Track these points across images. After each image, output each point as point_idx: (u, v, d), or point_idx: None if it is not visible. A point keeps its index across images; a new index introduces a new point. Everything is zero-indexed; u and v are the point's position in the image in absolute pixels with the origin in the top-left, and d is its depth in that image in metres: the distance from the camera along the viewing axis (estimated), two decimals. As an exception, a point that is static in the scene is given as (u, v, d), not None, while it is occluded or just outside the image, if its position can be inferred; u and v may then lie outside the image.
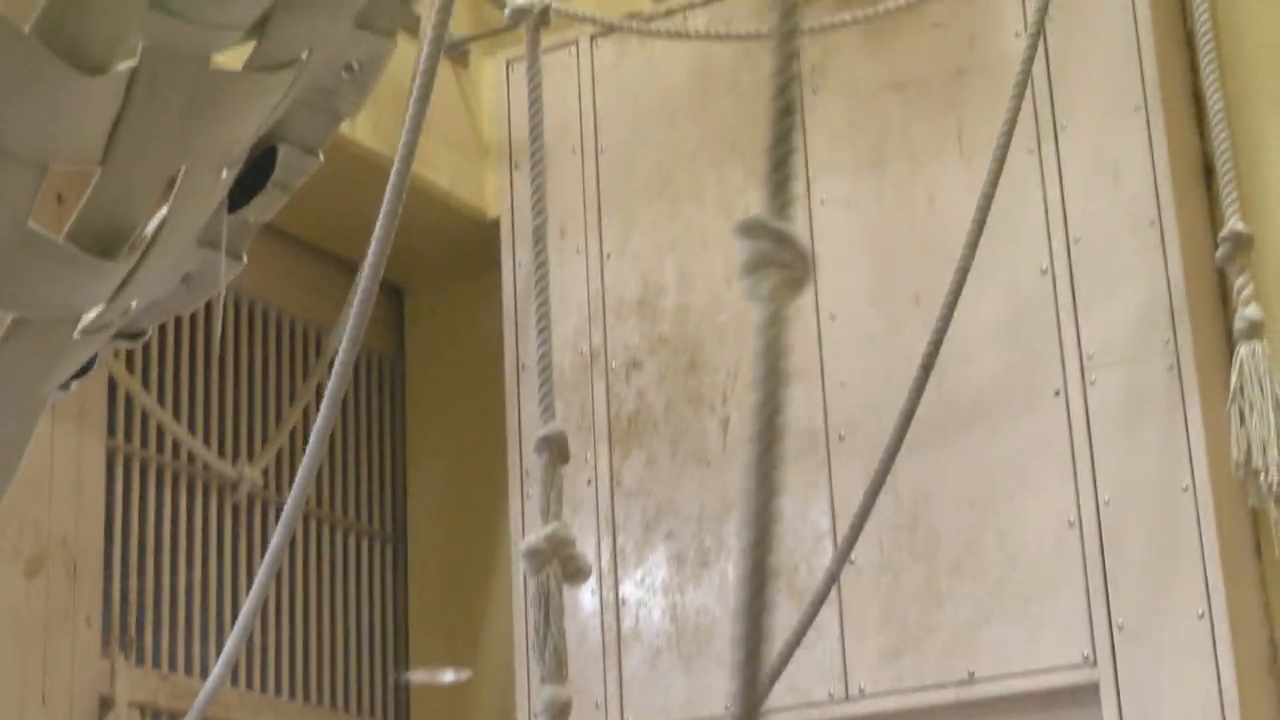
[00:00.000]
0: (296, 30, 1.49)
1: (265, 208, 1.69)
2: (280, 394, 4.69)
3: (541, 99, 3.59)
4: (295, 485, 3.13)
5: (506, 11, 3.75)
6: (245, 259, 1.70)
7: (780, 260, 1.20)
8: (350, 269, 4.39)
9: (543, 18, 3.74)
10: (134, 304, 1.59)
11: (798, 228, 1.21)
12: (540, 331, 3.40)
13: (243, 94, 1.49)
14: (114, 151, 1.42)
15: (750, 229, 1.19)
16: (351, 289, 4.34)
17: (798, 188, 1.27)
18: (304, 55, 1.53)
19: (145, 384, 4.30)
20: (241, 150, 1.57)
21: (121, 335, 1.66)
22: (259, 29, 1.47)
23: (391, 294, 5.02)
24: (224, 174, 1.57)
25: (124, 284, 1.49)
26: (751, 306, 3.95)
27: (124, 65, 1.40)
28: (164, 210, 1.52)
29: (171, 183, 1.52)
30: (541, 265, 3.49)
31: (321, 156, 1.71)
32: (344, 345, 3.17)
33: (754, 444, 1.15)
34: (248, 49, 1.49)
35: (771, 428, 1.16)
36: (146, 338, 1.72)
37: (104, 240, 1.43)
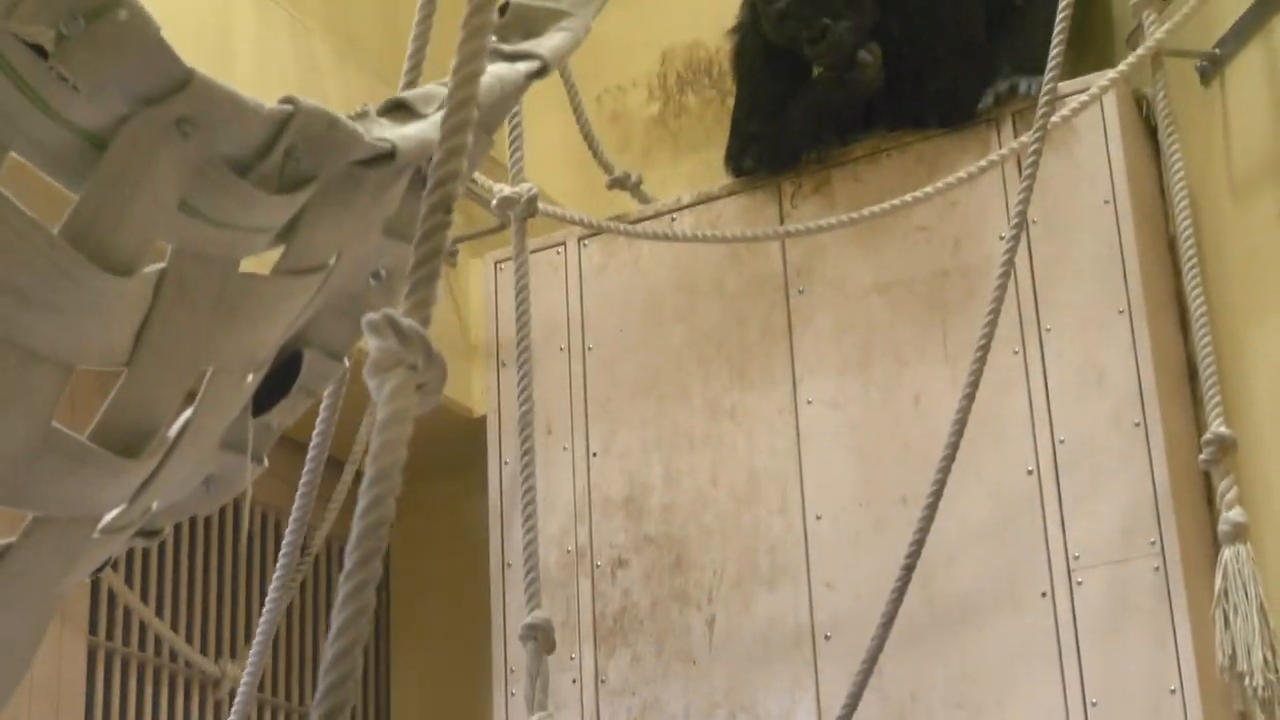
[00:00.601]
0: (325, 236, 1.51)
1: (289, 412, 1.70)
2: (264, 590, 4.66)
3: (529, 290, 3.63)
4: (248, 667, 3.12)
5: (493, 202, 3.79)
6: (266, 462, 1.71)
7: (408, 360, 1.15)
8: (337, 466, 4.39)
9: (529, 207, 3.79)
10: (154, 505, 1.59)
11: (419, 340, 1.16)
12: (526, 519, 3.42)
13: (270, 297, 1.51)
14: (140, 353, 1.43)
15: (379, 328, 1.15)
16: (337, 486, 4.35)
17: (434, 294, 1.21)
18: (331, 261, 1.55)
19: (128, 580, 4.28)
20: (268, 354, 1.58)
21: (140, 534, 1.66)
22: (288, 233, 1.49)
23: (375, 491, 5.00)
24: (249, 378, 1.58)
25: (146, 484, 1.50)
26: (738, 507, 3.95)
27: (152, 267, 1.42)
28: (188, 412, 1.53)
29: (196, 383, 1.53)
30: (527, 455, 3.51)
31: (347, 362, 1.73)
32: (291, 527, 3.18)
33: (352, 551, 1.10)
34: (277, 253, 1.51)
35: (375, 535, 1.12)
36: (162, 537, 1.72)
37: (127, 441, 1.44)
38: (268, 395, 1.68)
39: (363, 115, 1.55)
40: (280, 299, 1.52)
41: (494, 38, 1.79)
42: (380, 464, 1.10)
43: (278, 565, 3.13)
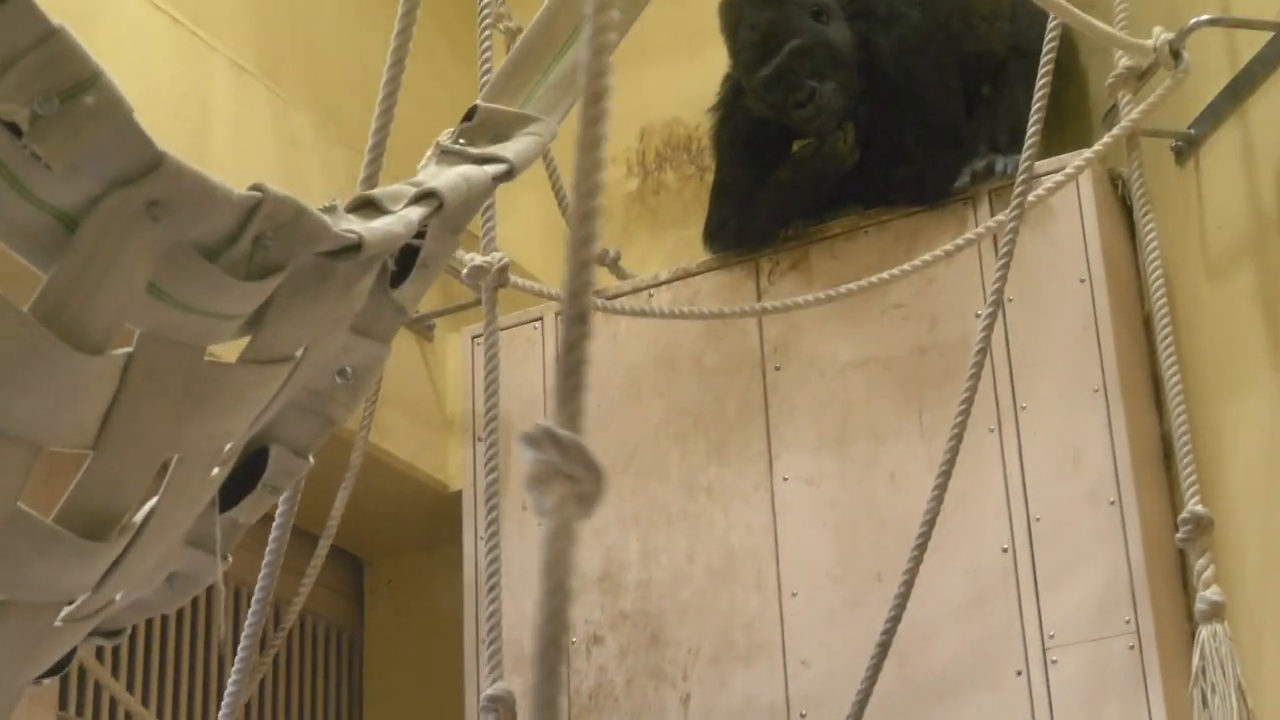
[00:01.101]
0: (292, 327, 1.51)
1: (254, 508, 1.70)
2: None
3: (498, 360, 3.62)
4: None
5: (464, 271, 3.79)
6: (230, 559, 1.70)
7: (568, 472, 1.16)
8: (311, 541, 4.38)
9: (500, 277, 3.79)
10: (118, 597, 1.58)
11: (585, 443, 1.16)
12: (490, 590, 3.42)
13: (237, 386, 1.51)
14: (106, 436, 1.43)
15: (537, 440, 1.15)
16: (311, 560, 4.33)
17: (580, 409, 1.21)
18: (299, 353, 1.55)
19: (99, 655, 4.25)
20: (235, 446, 1.58)
21: (101, 633, 1.65)
22: (255, 322, 1.49)
23: (351, 565, 5.00)
24: (215, 470, 1.58)
25: (109, 572, 1.49)
26: (714, 584, 3.95)
27: (119, 351, 1.42)
28: (154, 500, 1.52)
29: (162, 471, 1.53)
30: (493, 531, 3.50)
31: (312, 459, 1.72)
32: (254, 604, 3.18)
33: (536, 663, 1.10)
34: (243, 343, 1.51)
35: (555, 647, 1.12)
36: (124, 637, 1.71)
37: (92, 524, 1.44)
38: (233, 491, 1.68)
39: (330, 209, 1.55)
40: (247, 389, 1.51)
41: (461, 140, 1.80)
42: (553, 577, 1.10)
43: (242, 639, 3.12)
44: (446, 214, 1.68)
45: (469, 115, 1.85)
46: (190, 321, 1.42)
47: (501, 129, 1.85)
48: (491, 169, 1.79)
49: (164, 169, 1.39)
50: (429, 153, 1.86)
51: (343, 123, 4.63)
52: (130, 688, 4.31)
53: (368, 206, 1.64)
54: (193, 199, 1.40)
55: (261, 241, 1.45)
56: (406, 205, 1.64)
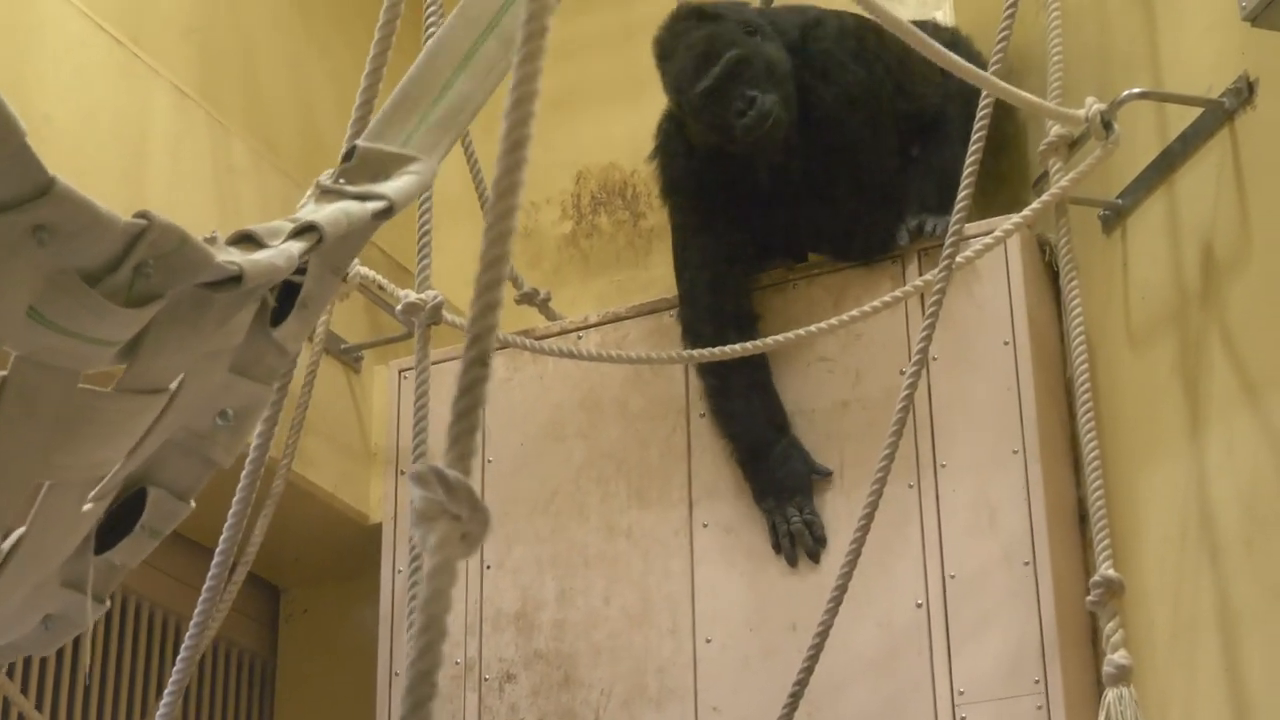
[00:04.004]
0: (168, 357, 1.50)
1: (133, 552, 1.68)
2: (148, 688, 4.62)
3: (428, 397, 3.63)
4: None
5: (398, 308, 3.80)
6: (109, 602, 1.69)
7: (454, 511, 1.18)
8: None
9: (434, 315, 3.79)
10: None
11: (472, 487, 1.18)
12: (409, 623, 3.42)
13: (111, 415, 1.50)
14: (-24, 458, 1.41)
15: (425, 479, 1.18)
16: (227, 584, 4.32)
17: (473, 447, 1.24)
18: (173, 385, 1.54)
19: (9, 673, 4.22)
20: (110, 484, 1.56)
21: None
22: (131, 351, 1.48)
23: (267, 592, 4.99)
24: (87, 506, 1.56)
25: (-22, 604, 1.48)
26: (629, 627, 3.96)
27: None
28: (22, 529, 1.51)
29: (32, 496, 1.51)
30: (414, 564, 3.51)
31: (192, 503, 1.71)
32: (191, 632, 3.17)
33: (407, 696, 1.11)
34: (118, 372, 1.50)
35: (428, 681, 1.13)
36: None
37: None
38: (111, 533, 1.66)
39: (212, 240, 1.55)
40: (121, 418, 1.50)
41: (341, 180, 1.80)
42: (430, 612, 1.11)
43: (175, 669, 3.11)
44: (326, 250, 1.68)
45: (348, 155, 1.84)
46: (67, 346, 1.41)
47: (381, 168, 1.84)
48: (371, 205, 1.78)
49: (54, 194, 1.37)
50: (309, 192, 1.85)
51: (280, 150, 4.64)
52: (39, 706, 4.28)
53: (248, 240, 1.63)
54: (80, 225, 1.38)
55: (143, 269, 1.44)
56: (286, 239, 1.64)
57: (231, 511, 3.23)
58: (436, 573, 1.15)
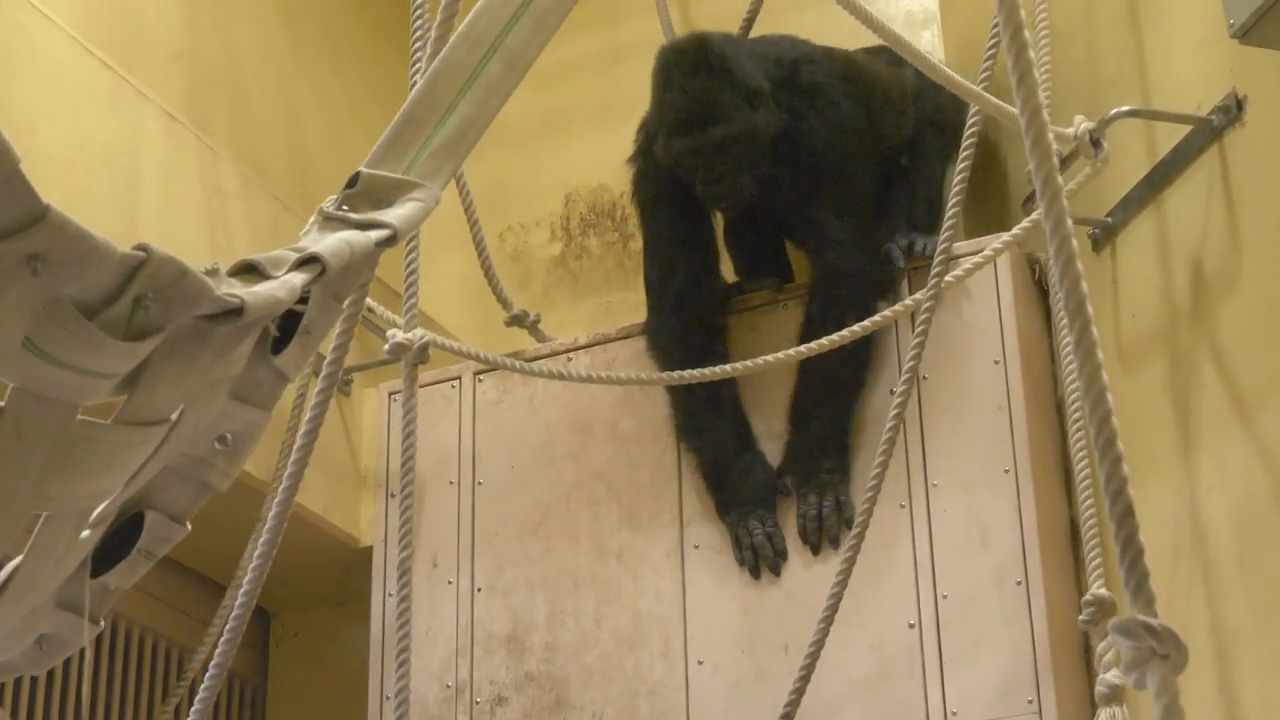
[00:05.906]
0: (168, 389, 1.49)
1: (128, 574, 1.68)
2: (139, 715, 4.60)
3: (416, 432, 3.61)
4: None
5: (386, 347, 3.79)
6: (102, 623, 1.68)
7: (1162, 653, 1.37)
8: (217, 591, 4.37)
9: (421, 355, 3.78)
10: None
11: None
12: (400, 648, 3.41)
13: (109, 447, 1.49)
14: (-30, 490, 1.41)
15: (1131, 630, 1.36)
16: (218, 612, 4.31)
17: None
18: (173, 416, 1.54)
19: (0, 700, 4.22)
20: (106, 510, 1.56)
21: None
22: (130, 383, 1.47)
23: (258, 617, 4.97)
24: (85, 534, 1.56)
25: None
26: (620, 649, 3.94)
27: None
28: (19, 559, 1.50)
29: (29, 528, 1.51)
30: (405, 597, 3.50)
31: (189, 525, 1.71)
32: (211, 671, 3.18)
33: None
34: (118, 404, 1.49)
35: None
36: None
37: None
38: (106, 556, 1.66)
39: (213, 272, 1.54)
40: (120, 450, 1.49)
41: (344, 207, 1.80)
42: None
43: (195, 703, 3.14)
44: (329, 279, 1.67)
45: (351, 182, 1.83)
46: (64, 378, 1.40)
47: (384, 194, 1.83)
48: (375, 234, 1.77)
49: (48, 222, 1.36)
50: (312, 219, 1.84)
51: (269, 175, 4.64)
52: (28, 732, 4.27)
53: (250, 271, 1.62)
54: (75, 255, 1.37)
55: (142, 302, 1.43)
56: (289, 270, 1.63)
57: (257, 554, 3.26)
58: (1169, 714, 1.36)
